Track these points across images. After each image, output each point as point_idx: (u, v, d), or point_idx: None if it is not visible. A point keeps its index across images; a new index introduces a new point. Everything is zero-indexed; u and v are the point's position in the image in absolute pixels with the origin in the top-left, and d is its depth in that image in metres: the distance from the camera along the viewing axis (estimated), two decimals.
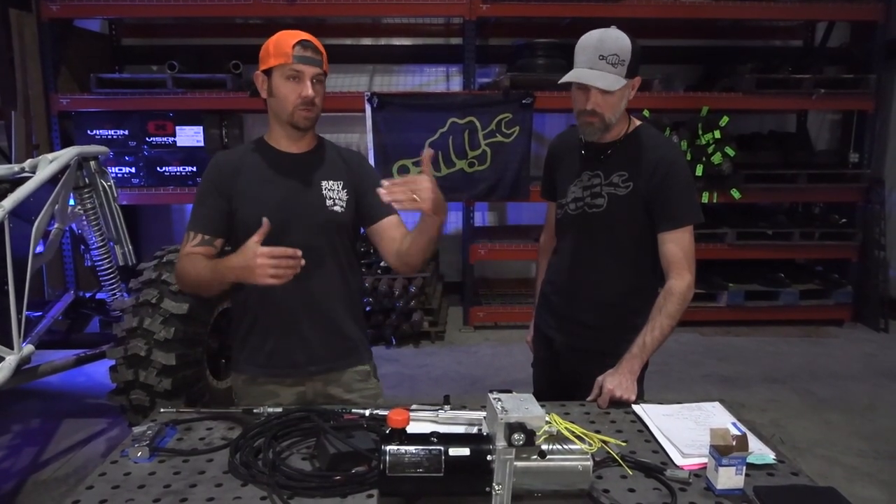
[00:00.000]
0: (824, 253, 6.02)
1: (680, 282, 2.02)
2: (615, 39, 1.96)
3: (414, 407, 1.74)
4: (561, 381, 2.27)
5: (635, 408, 1.87)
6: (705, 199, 5.52)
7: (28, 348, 2.94)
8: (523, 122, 5.46)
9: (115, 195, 3.84)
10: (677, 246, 2.03)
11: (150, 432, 1.64)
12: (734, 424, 1.69)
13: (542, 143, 6.00)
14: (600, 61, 1.95)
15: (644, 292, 2.15)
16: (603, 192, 2.10)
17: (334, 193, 2.02)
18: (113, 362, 3.09)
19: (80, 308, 4.16)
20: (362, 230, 2.14)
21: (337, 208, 2.01)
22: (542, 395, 1.45)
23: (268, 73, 1.94)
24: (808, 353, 5.30)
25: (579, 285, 2.20)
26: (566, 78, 2.00)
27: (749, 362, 5.08)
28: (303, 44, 1.90)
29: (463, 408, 1.79)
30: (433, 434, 1.39)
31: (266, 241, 1.85)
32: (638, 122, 2.15)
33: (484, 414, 1.52)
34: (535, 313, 2.47)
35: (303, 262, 1.70)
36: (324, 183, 2.02)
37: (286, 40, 1.90)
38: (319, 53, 1.93)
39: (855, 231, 5.82)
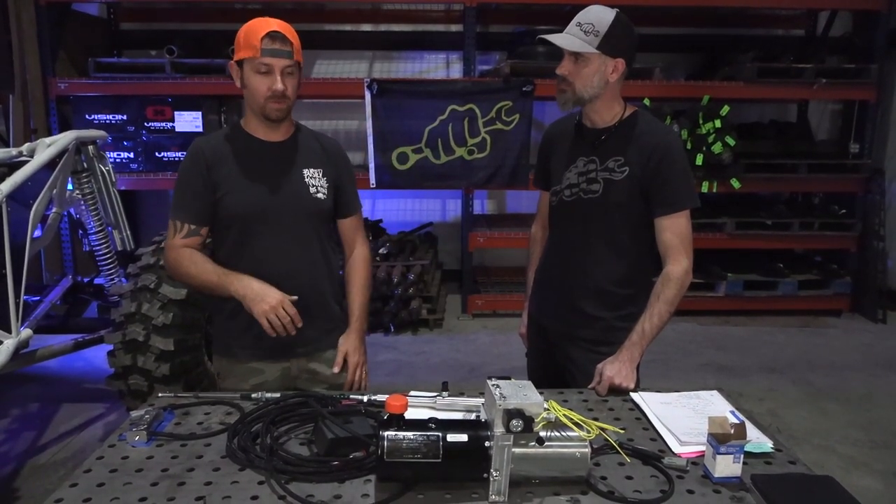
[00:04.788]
0: (823, 243, 6.02)
1: (677, 267, 2.01)
2: (598, 11, 1.98)
3: (412, 393, 1.74)
4: (555, 371, 2.27)
5: (633, 395, 1.88)
6: (705, 188, 5.51)
7: (26, 332, 2.94)
8: (523, 109, 5.44)
9: (114, 180, 3.83)
10: (674, 231, 2.02)
11: (147, 417, 1.63)
12: (732, 413, 1.69)
13: (543, 130, 5.98)
14: (575, 27, 1.99)
15: (639, 280, 2.14)
16: (598, 177, 2.09)
17: (316, 181, 2.07)
18: (111, 347, 3.09)
19: (79, 293, 4.16)
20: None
21: (320, 195, 2.07)
22: (537, 385, 1.45)
23: (239, 63, 1.95)
24: (805, 343, 5.31)
25: (573, 272, 2.19)
26: (539, 37, 2.06)
27: (747, 352, 5.09)
28: (271, 35, 1.87)
29: (461, 394, 1.79)
30: (431, 420, 1.39)
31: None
32: (633, 108, 2.14)
33: (482, 400, 1.52)
34: (527, 303, 2.47)
35: (294, 331, 1.93)
36: (305, 171, 2.07)
37: (255, 31, 1.88)
38: (289, 44, 1.92)
39: (854, 221, 5.81)
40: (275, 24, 1.90)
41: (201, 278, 1.95)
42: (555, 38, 2.00)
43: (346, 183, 2.17)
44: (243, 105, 6.43)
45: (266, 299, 1.87)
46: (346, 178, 2.17)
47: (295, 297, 1.92)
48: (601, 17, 1.96)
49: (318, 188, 2.07)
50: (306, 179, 2.06)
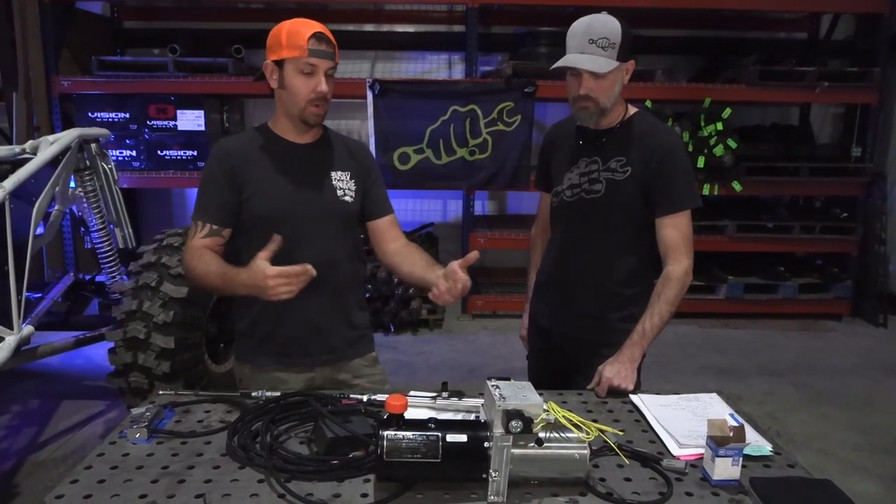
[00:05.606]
0: (824, 247, 6.02)
1: (678, 267, 2.01)
2: (604, 23, 1.96)
3: (412, 393, 1.75)
4: (557, 373, 2.27)
5: (633, 398, 1.88)
6: (706, 190, 5.51)
7: (28, 329, 2.95)
8: (525, 110, 5.45)
9: (116, 178, 3.84)
10: (675, 230, 2.03)
11: (148, 414, 1.64)
12: (732, 415, 1.69)
13: (544, 132, 5.99)
14: (590, 45, 1.95)
15: (641, 280, 2.14)
16: (601, 177, 2.10)
17: (344, 184, 2.02)
18: (112, 344, 3.10)
19: (80, 290, 4.17)
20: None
21: (347, 198, 2.02)
22: (537, 387, 1.45)
23: (279, 63, 1.89)
24: (806, 346, 5.31)
25: (576, 272, 2.19)
26: (557, 64, 2.00)
27: (747, 355, 5.09)
28: (317, 36, 1.85)
29: (461, 395, 1.79)
30: (431, 420, 1.39)
31: (279, 234, 1.85)
32: (635, 109, 2.15)
33: (482, 401, 1.53)
34: (528, 305, 2.47)
35: (314, 273, 1.69)
36: (333, 174, 2.01)
37: (300, 31, 1.84)
38: (332, 46, 1.90)
39: (855, 225, 5.81)
40: (318, 25, 1.87)
41: (207, 280, 1.87)
42: (581, 64, 1.95)
43: (376, 185, 2.11)
44: (245, 105, 6.48)
45: (262, 287, 1.67)
46: (374, 180, 2.11)
47: (297, 266, 1.72)
48: (610, 27, 1.95)
49: (346, 191, 2.02)
50: (334, 182, 2.01)
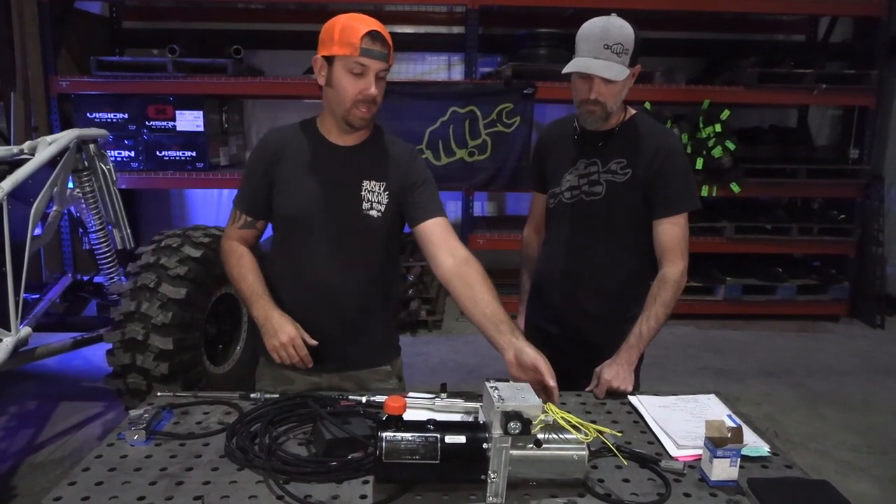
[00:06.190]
0: (822, 248, 6.02)
1: (673, 269, 2.02)
2: (619, 28, 1.95)
3: (411, 394, 1.75)
4: (557, 375, 2.26)
5: (631, 399, 1.88)
6: (705, 192, 5.52)
7: (25, 330, 2.94)
8: (524, 112, 5.46)
9: (114, 179, 3.84)
10: (672, 232, 2.04)
11: (146, 416, 1.63)
12: (729, 416, 1.69)
13: None
14: (605, 50, 1.93)
15: (642, 281, 2.14)
16: (601, 179, 2.10)
17: (373, 196, 1.90)
18: (110, 346, 3.09)
19: (78, 291, 4.16)
20: (408, 228, 2.04)
21: (373, 212, 1.90)
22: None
23: (328, 59, 1.80)
24: (803, 347, 5.31)
25: (577, 274, 2.19)
26: (570, 67, 1.99)
27: (745, 356, 5.09)
28: (372, 35, 1.75)
29: (460, 396, 1.79)
30: (430, 421, 1.39)
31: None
32: (634, 111, 2.15)
33: (481, 402, 1.53)
34: (523, 307, 2.47)
35: (310, 365, 1.86)
36: (365, 183, 1.90)
37: (355, 28, 1.75)
38: (388, 46, 1.80)
39: (853, 227, 5.82)
40: (374, 23, 1.78)
41: (237, 285, 1.94)
42: (598, 71, 1.93)
43: (420, 188, 1.95)
44: (245, 105, 6.48)
45: (279, 335, 1.80)
46: (419, 184, 1.95)
47: (314, 343, 1.85)
48: (625, 33, 1.94)
49: (374, 203, 1.90)
50: (363, 193, 1.89)
